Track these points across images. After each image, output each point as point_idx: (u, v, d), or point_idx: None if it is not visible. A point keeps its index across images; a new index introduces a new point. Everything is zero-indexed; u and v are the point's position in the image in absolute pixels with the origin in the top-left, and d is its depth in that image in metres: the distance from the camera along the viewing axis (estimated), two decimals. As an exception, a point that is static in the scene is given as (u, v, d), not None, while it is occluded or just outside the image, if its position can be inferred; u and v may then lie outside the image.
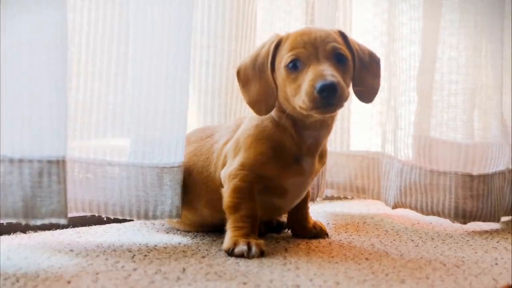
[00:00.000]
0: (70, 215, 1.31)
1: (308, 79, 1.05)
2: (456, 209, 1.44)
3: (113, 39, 1.22)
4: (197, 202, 1.23)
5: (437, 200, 1.46)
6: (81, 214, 1.27)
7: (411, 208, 1.50)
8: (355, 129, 1.73)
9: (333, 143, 1.65)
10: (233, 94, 1.45)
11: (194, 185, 1.23)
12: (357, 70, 1.14)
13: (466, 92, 1.50)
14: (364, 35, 1.68)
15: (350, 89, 1.14)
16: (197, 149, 1.25)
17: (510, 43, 1.59)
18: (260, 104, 1.14)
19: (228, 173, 1.15)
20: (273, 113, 1.16)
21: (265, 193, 1.17)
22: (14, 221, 1.03)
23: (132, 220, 1.35)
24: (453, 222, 1.47)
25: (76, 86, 1.20)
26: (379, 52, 1.61)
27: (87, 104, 1.21)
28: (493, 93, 1.51)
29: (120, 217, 1.21)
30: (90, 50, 1.21)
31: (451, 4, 1.49)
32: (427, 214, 1.48)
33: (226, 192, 1.15)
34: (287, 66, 1.09)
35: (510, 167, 1.54)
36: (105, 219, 1.26)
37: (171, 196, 1.20)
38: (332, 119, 1.17)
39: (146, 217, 1.20)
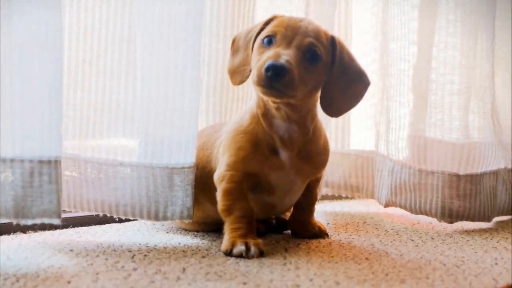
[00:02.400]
0: (71, 215, 1.32)
1: (265, 56, 1.06)
2: (442, 208, 1.44)
3: (124, 37, 1.22)
4: (202, 196, 1.23)
5: (425, 199, 1.46)
6: (91, 213, 1.27)
7: (401, 207, 1.51)
8: (351, 128, 1.72)
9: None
10: (228, 93, 1.45)
11: (200, 178, 1.23)
12: (333, 81, 1.13)
13: (459, 92, 1.49)
14: (363, 35, 1.68)
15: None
16: (205, 143, 1.26)
17: (511, 43, 1.60)
18: (236, 74, 1.17)
19: (217, 176, 1.16)
20: (254, 104, 1.17)
21: (255, 191, 1.17)
22: (5, 220, 1.03)
23: (134, 220, 1.35)
24: (440, 222, 1.47)
25: (88, 86, 1.21)
26: (378, 52, 1.62)
27: (98, 104, 1.21)
28: (486, 93, 1.51)
29: (131, 218, 1.21)
30: (101, 49, 1.21)
31: (447, 3, 1.49)
32: (416, 213, 1.49)
33: (218, 196, 1.16)
34: (262, 39, 1.11)
35: (509, 167, 1.55)
36: (116, 219, 1.26)
37: (181, 197, 1.20)
38: (300, 116, 1.14)
39: (156, 218, 1.20)
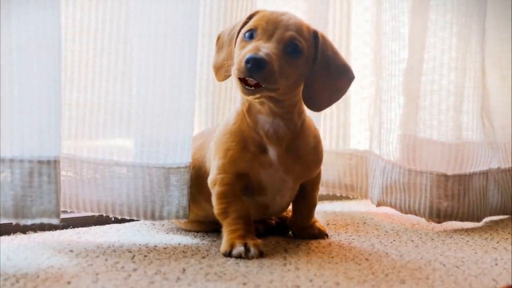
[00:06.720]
0: (71, 215, 1.32)
1: (246, 49, 1.06)
2: (430, 208, 1.45)
3: (120, 38, 1.22)
4: (199, 195, 1.24)
5: (414, 199, 1.47)
6: (89, 214, 1.28)
7: (391, 206, 1.51)
8: (351, 128, 1.72)
9: (323, 141, 1.63)
10: (221, 93, 1.46)
11: (196, 179, 1.23)
12: (316, 74, 1.13)
13: (448, 93, 1.50)
14: (364, 35, 1.68)
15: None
16: (202, 144, 1.27)
17: (511, 45, 1.60)
18: (221, 70, 1.17)
19: (210, 180, 1.16)
20: (239, 102, 1.17)
21: (247, 192, 1.17)
22: (4, 220, 1.03)
23: (134, 220, 1.35)
24: (428, 221, 1.48)
25: (84, 86, 1.21)
26: (375, 52, 1.62)
27: (95, 104, 1.21)
28: (476, 93, 1.52)
29: (128, 217, 1.22)
30: (97, 49, 1.21)
31: (438, 5, 1.50)
32: (406, 212, 1.49)
33: (213, 200, 1.16)
34: (244, 34, 1.11)
35: (502, 167, 1.55)
36: (113, 218, 1.26)
37: (177, 197, 1.20)
38: (285, 110, 1.14)
39: (153, 217, 1.20)
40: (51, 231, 1.27)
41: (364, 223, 1.48)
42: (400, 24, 1.52)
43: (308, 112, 1.20)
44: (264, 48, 1.05)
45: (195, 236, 1.27)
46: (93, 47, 1.21)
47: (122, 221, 1.34)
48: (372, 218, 1.54)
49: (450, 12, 1.49)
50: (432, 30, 1.50)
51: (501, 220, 1.57)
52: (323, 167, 1.35)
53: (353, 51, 1.67)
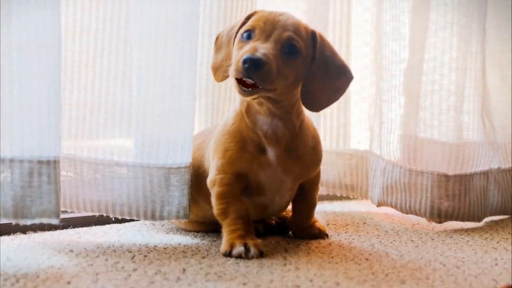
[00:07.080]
0: (71, 215, 1.32)
1: (243, 50, 1.06)
2: (431, 208, 1.45)
3: (120, 38, 1.22)
4: (198, 195, 1.24)
5: (415, 199, 1.47)
6: (89, 214, 1.28)
7: (392, 206, 1.52)
8: (351, 128, 1.72)
9: (323, 141, 1.62)
10: (220, 94, 1.46)
11: (195, 178, 1.23)
12: (314, 75, 1.13)
13: (449, 93, 1.50)
14: (364, 35, 1.68)
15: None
16: (201, 143, 1.27)
17: (511, 45, 1.60)
18: (219, 70, 1.17)
19: (209, 180, 1.17)
20: (238, 102, 1.17)
21: (246, 193, 1.17)
22: (4, 221, 1.04)
23: (134, 220, 1.35)
24: (429, 221, 1.48)
25: (85, 86, 1.21)
26: (375, 52, 1.62)
27: (95, 104, 1.21)
28: (476, 93, 1.52)
29: (128, 217, 1.22)
30: (98, 49, 1.21)
31: (439, 5, 1.50)
32: (406, 213, 1.49)
33: (212, 200, 1.16)
34: (241, 34, 1.11)
35: (502, 167, 1.55)
36: (113, 218, 1.26)
37: (178, 197, 1.20)
38: (284, 111, 1.14)
39: (153, 217, 1.21)
40: (51, 231, 1.27)
41: (364, 223, 1.48)
42: (401, 24, 1.52)
43: (307, 112, 1.20)
44: (262, 48, 1.05)
45: (195, 236, 1.27)
46: (93, 47, 1.21)
47: (122, 221, 1.34)
48: (372, 218, 1.54)
49: (451, 12, 1.50)
50: (432, 30, 1.51)
51: (501, 220, 1.57)
52: (323, 167, 1.35)
53: (353, 51, 1.67)
